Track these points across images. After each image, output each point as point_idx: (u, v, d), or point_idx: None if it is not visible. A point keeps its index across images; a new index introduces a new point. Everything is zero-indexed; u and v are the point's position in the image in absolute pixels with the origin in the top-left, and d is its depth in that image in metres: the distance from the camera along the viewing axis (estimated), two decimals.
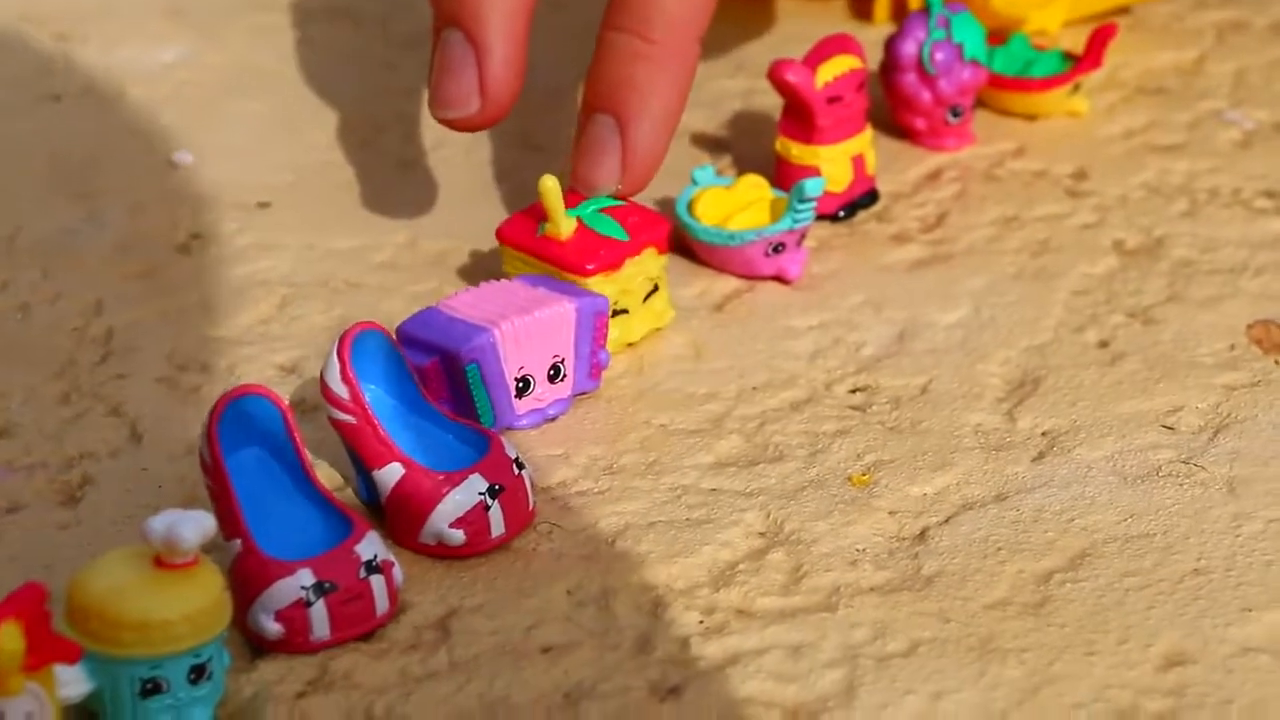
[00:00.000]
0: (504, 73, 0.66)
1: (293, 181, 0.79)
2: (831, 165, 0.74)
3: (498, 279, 0.66)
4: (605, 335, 0.63)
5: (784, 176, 0.74)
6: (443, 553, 0.57)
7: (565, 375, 0.63)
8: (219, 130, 0.83)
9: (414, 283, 0.71)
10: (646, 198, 0.75)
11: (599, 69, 0.67)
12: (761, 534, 0.58)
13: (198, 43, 0.91)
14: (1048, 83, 0.81)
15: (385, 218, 0.76)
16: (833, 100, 0.73)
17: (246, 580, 0.53)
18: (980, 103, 0.82)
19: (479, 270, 0.72)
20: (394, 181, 0.79)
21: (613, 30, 0.66)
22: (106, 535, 0.58)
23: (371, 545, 0.54)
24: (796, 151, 0.74)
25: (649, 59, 0.66)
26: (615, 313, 0.66)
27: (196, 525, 0.49)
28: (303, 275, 0.72)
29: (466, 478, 0.56)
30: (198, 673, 0.50)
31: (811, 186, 0.68)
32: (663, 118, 0.66)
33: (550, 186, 0.65)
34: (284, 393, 0.65)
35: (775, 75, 0.72)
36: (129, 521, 0.59)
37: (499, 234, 0.67)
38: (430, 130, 0.82)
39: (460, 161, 0.80)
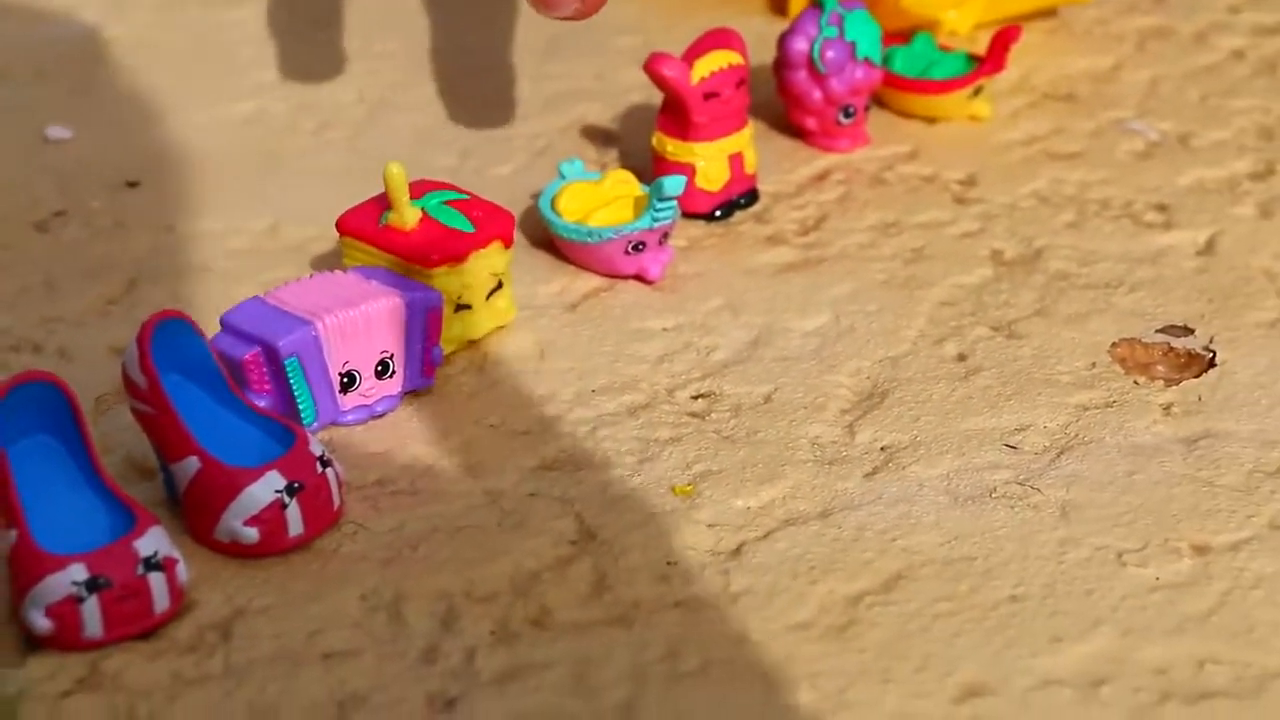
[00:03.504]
0: None
1: (167, 161, 0.77)
2: (708, 163, 0.72)
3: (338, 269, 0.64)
4: (439, 331, 0.62)
5: (660, 173, 0.72)
6: (238, 551, 0.55)
7: (394, 372, 0.61)
8: (102, 105, 0.81)
9: (266, 270, 0.70)
10: (511, 189, 0.73)
11: None
12: (573, 542, 0.56)
13: (103, 13, 0.89)
14: (947, 85, 0.79)
15: (251, 201, 0.74)
16: (709, 96, 0.71)
17: (20, 573, 0.52)
18: (881, 103, 0.80)
19: (338, 259, 0.70)
20: (270, 164, 0.77)
21: None
22: None
23: (153, 541, 0.52)
24: (672, 148, 0.72)
25: None
26: (458, 307, 0.64)
27: None
28: (156, 259, 0.70)
29: (263, 474, 0.55)
30: None
31: (671, 185, 0.66)
32: None
33: (395, 174, 0.63)
34: (113, 376, 0.63)
35: (651, 68, 0.71)
36: None
37: (339, 224, 0.65)
38: (317, 112, 0.81)
39: (343, 146, 0.79)
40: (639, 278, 0.69)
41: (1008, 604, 0.54)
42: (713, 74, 0.70)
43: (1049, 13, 0.89)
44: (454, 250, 0.63)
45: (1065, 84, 0.83)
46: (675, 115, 0.71)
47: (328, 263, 0.70)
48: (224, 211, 0.73)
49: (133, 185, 0.75)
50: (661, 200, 0.66)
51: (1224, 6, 0.90)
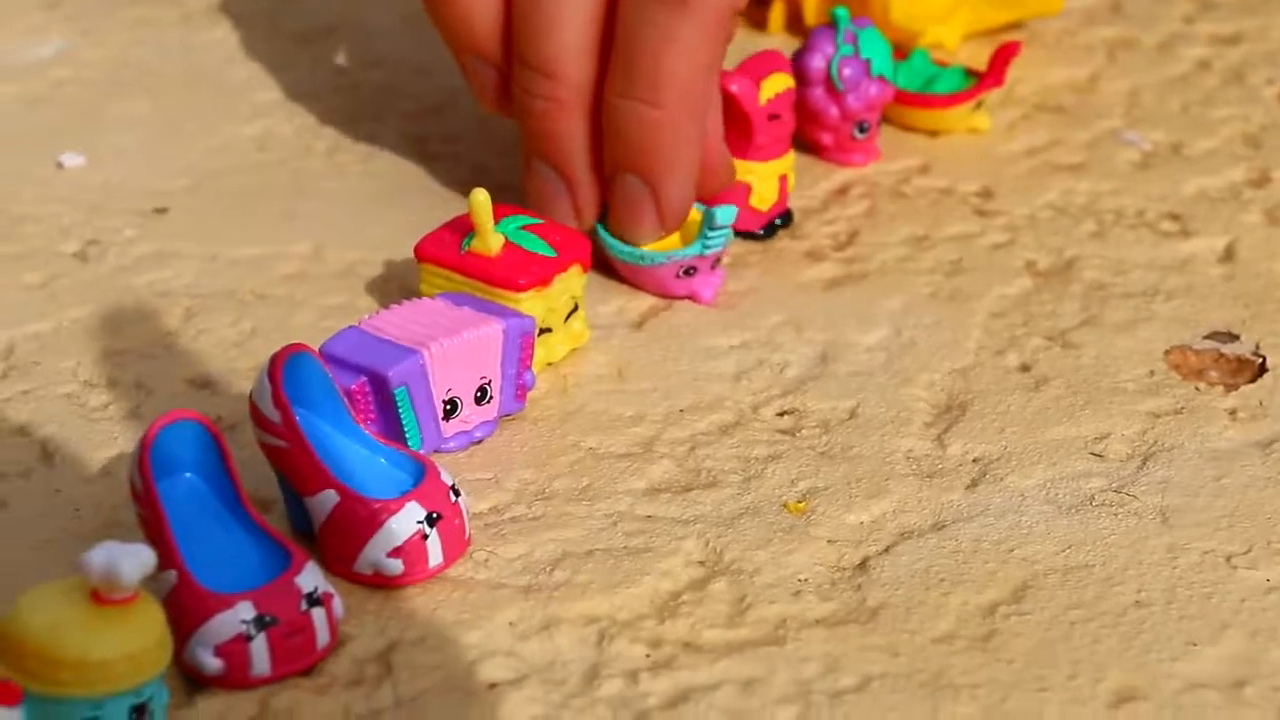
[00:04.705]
0: (592, 199, 0.69)
1: (188, 186, 0.76)
2: (762, 183, 0.73)
3: (413, 296, 0.64)
4: (531, 356, 0.62)
5: None
6: (379, 582, 0.55)
7: (492, 397, 0.61)
8: (105, 131, 0.80)
9: (324, 295, 0.69)
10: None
11: (618, 135, 0.67)
12: (701, 563, 0.57)
13: (75, 37, 0.88)
14: (952, 99, 0.81)
15: (286, 225, 0.74)
16: (773, 118, 0.72)
17: (183, 614, 0.51)
18: (883, 118, 0.82)
19: (390, 283, 0.70)
20: (292, 187, 0.77)
21: (623, 99, 0.66)
22: (25, 562, 0.56)
23: (312, 577, 0.52)
24: None
25: (666, 125, 0.66)
26: (540, 331, 0.64)
27: (136, 560, 0.47)
28: (207, 286, 0.70)
29: (404, 505, 0.55)
30: (139, 712, 0.48)
31: (723, 215, 0.67)
32: (686, 171, 0.68)
33: (481, 200, 0.63)
34: (197, 409, 0.63)
35: (719, 86, 0.71)
36: (47, 547, 0.57)
37: (418, 251, 0.65)
38: (325, 133, 0.80)
39: (357, 168, 0.78)
40: (691, 299, 0.69)
41: (1135, 610, 0.56)
42: (777, 95, 0.72)
43: (1017, 25, 0.91)
44: (540, 275, 0.64)
45: (1050, 95, 0.86)
46: (734, 134, 0.72)
47: (379, 287, 0.70)
48: (262, 236, 0.73)
49: (161, 212, 0.74)
50: (713, 229, 0.67)
51: (1178, 17, 0.93)
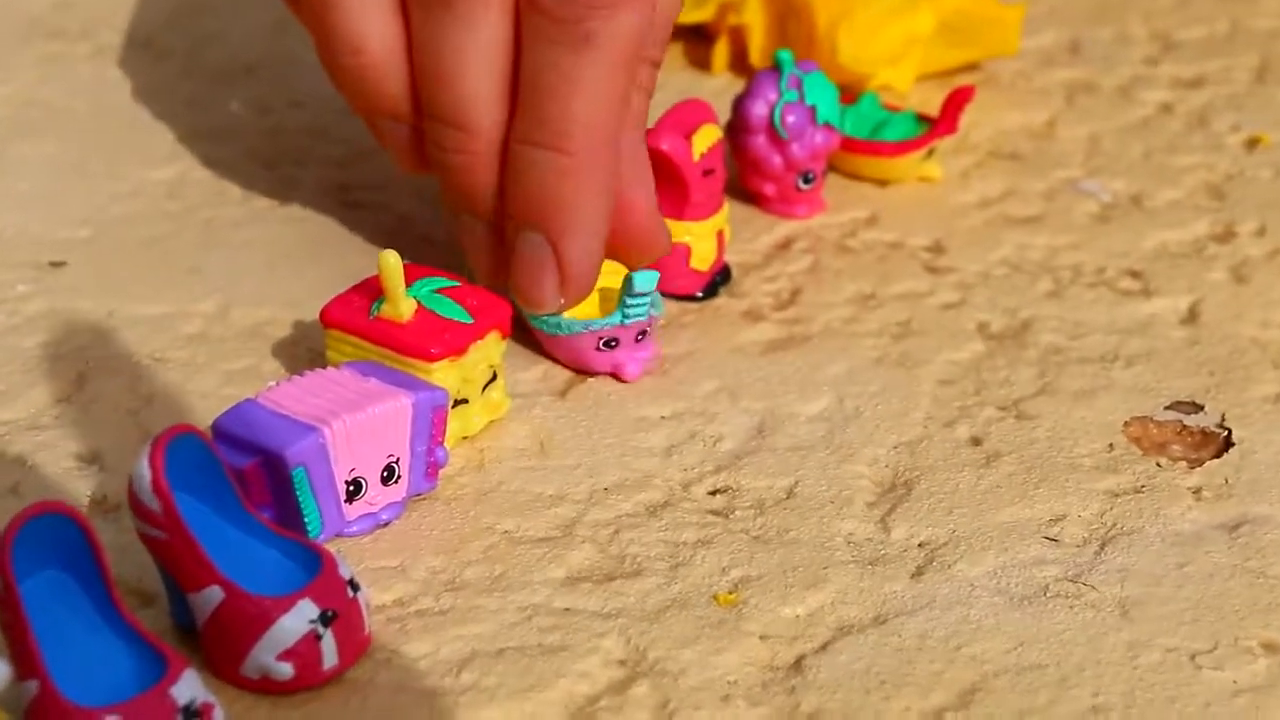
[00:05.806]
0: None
1: (89, 237, 0.72)
2: (700, 242, 0.68)
3: (323, 364, 0.60)
4: (443, 431, 0.58)
5: None
6: (268, 688, 0.50)
7: (400, 476, 0.57)
8: (6, 175, 0.76)
9: (227, 360, 0.65)
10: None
11: (519, 185, 0.61)
12: (622, 662, 0.53)
13: None
14: (902, 147, 0.77)
15: (194, 280, 0.69)
16: (707, 173, 0.67)
17: None
18: (830, 166, 0.77)
19: (299, 345, 0.66)
20: (201, 238, 0.72)
21: (527, 145, 0.60)
22: None
23: (189, 686, 0.48)
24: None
25: (570, 173, 0.60)
26: (455, 403, 0.60)
27: None
28: (102, 348, 0.65)
29: (295, 603, 0.50)
30: None
31: (641, 281, 0.62)
32: (594, 228, 0.61)
33: (391, 263, 0.59)
34: (84, 488, 0.58)
35: (649, 145, 0.66)
36: None
37: (324, 316, 0.61)
38: (240, 178, 0.76)
39: (273, 218, 0.74)
40: (614, 376, 0.65)
41: (1091, 715, 0.52)
42: (709, 149, 0.67)
43: (973, 67, 0.87)
44: (454, 344, 0.59)
45: (1006, 142, 0.82)
46: (669, 195, 0.67)
47: (286, 350, 0.66)
48: (165, 292, 0.68)
49: (58, 265, 0.70)
50: (633, 297, 0.62)
51: (1140, 59, 0.90)
